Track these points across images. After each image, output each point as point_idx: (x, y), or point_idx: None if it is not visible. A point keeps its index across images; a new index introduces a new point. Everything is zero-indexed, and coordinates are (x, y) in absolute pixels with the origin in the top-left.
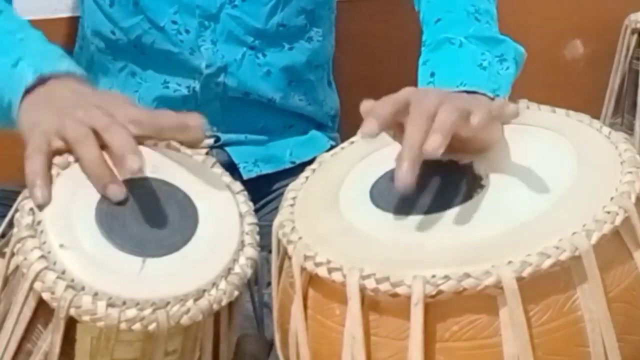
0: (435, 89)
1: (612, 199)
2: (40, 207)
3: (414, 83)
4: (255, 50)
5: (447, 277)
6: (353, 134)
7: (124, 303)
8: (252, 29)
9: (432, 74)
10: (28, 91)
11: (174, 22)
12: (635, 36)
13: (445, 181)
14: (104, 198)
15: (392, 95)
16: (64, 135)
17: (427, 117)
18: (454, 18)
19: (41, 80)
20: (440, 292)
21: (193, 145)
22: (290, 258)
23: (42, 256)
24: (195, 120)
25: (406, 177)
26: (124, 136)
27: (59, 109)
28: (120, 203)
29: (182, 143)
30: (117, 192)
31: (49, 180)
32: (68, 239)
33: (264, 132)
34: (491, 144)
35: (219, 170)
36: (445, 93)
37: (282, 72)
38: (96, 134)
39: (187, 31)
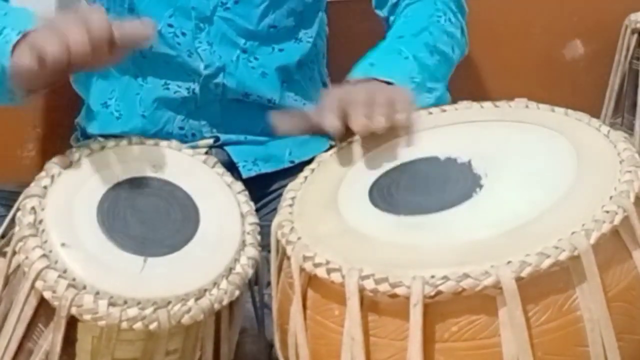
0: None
1: (611, 198)
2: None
3: None
4: (248, 53)
5: (446, 278)
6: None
7: (125, 302)
8: (244, 31)
9: (372, 65)
10: (15, 49)
11: (170, 26)
12: (635, 36)
13: (445, 181)
14: (106, 198)
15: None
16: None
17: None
18: (414, 41)
19: (25, 37)
20: (439, 293)
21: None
22: (289, 258)
23: (44, 255)
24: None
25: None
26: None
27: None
28: (123, 202)
29: None
30: None
31: None
32: (69, 238)
33: (264, 134)
34: None
35: (220, 170)
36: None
37: (277, 73)
38: None
39: (184, 34)
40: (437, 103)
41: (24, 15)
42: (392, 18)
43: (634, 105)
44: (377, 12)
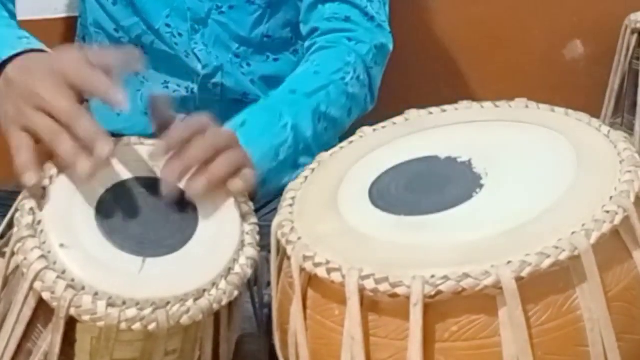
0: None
1: (611, 198)
2: (34, 193)
3: (409, 83)
4: (240, 58)
5: (446, 278)
6: (351, 133)
7: (124, 303)
8: (237, 37)
9: (243, 124)
10: None
11: (168, 26)
12: (635, 36)
13: (445, 180)
14: (104, 198)
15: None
16: (35, 134)
17: (211, 150)
18: (305, 102)
19: (1, 67)
20: (439, 293)
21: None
22: (289, 258)
23: (42, 256)
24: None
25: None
26: (89, 125)
27: (18, 102)
28: (121, 203)
29: None
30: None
31: (39, 165)
32: (68, 238)
33: None
34: None
35: None
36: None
37: (265, 82)
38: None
39: (180, 34)
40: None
41: (2, 33)
42: (307, 44)
43: (634, 105)
44: (301, 26)
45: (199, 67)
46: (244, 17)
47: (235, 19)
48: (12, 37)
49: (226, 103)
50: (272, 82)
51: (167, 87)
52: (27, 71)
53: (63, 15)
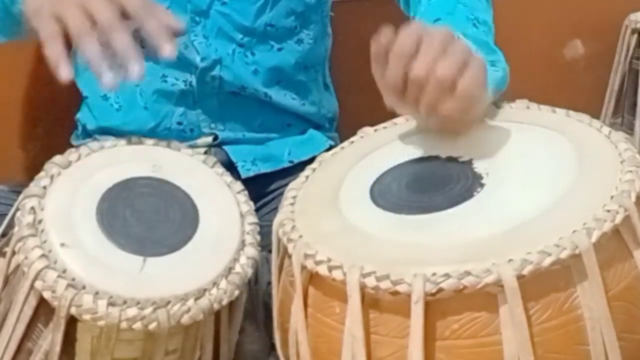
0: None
1: (612, 197)
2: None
3: None
4: (244, 48)
5: (447, 275)
6: (352, 133)
7: (125, 302)
8: (240, 27)
9: (437, 20)
10: None
11: None
12: (635, 36)
13: (446, 180)
14: (105, 198)
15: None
16: (66, 24)
17: (438, 50)
18: (453, 20)
19: None
20: (440, 290)
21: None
22: (290, 257)
23: (43, 255)
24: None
25: None
26: (126, 40)
27: None
28: (122, 202)
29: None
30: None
31: (69, 58)
32: (69, 238)
33: (262, 130)
34: (469, 119)
35: (219, 169)
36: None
37: (270, 72)
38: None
39: None
40: (505, 75)
41: None
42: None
43: (634, 105)
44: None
45: (197, 59)
46: (247, 6)
47: (238, 9)
48: None
49: (224, 96)
50: (276, 71)
51: (165, 81)
52: None
53: None
